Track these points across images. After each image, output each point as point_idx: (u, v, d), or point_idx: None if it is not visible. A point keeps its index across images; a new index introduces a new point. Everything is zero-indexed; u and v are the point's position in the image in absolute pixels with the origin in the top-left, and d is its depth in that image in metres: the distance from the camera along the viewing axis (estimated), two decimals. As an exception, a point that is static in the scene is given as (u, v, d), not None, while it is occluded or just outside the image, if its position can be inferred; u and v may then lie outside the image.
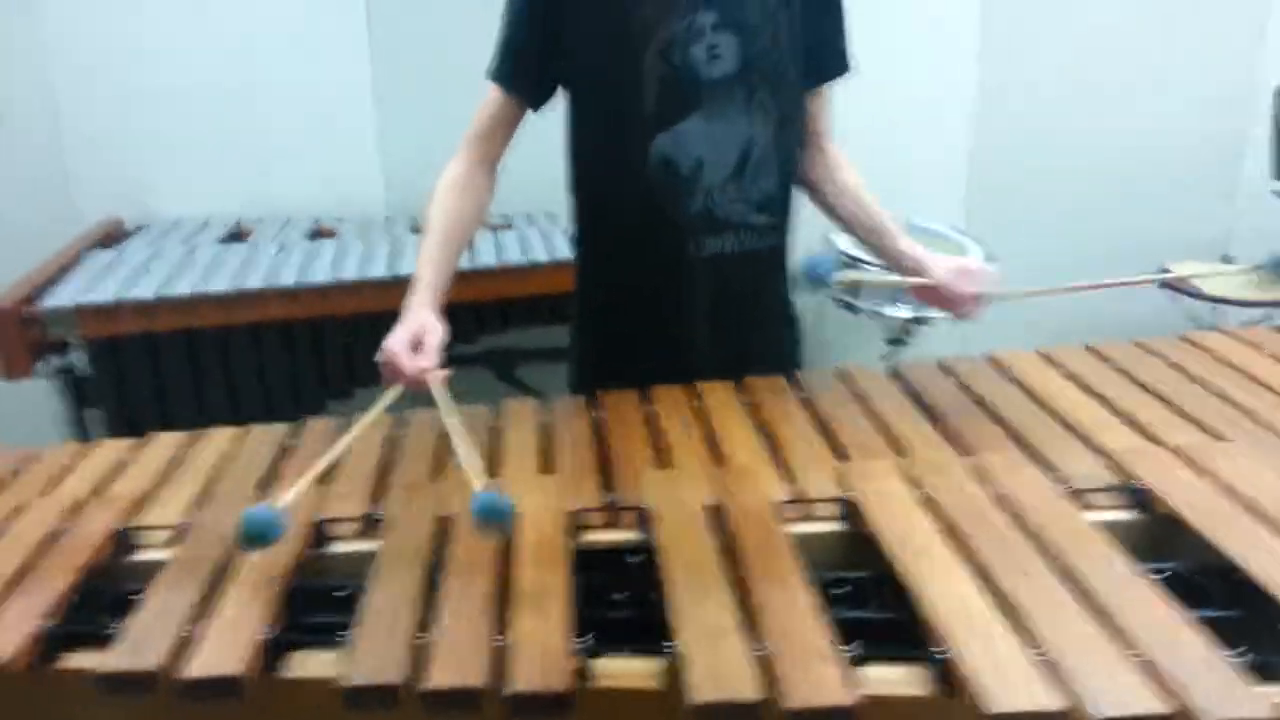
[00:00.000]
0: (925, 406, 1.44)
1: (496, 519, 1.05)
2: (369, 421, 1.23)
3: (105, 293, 2.22)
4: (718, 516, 1.12)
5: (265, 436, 1.42)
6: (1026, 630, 0.91)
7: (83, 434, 2.48)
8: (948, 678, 0.89)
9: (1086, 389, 1.47)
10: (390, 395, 1.27)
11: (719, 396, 1.46)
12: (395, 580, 1.03)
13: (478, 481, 1.07)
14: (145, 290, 2.24)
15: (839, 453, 1.30)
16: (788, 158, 1.56)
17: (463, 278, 2.27)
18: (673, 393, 1.48)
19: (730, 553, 1.05)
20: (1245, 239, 2.96)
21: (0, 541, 1.10)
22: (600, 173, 1.56)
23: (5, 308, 2.18)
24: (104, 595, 1.07)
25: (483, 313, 2.50)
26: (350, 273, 2.34)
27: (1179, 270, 2.72)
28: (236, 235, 2.72)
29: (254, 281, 2.30)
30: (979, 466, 1.21)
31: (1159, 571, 1.01)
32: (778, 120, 1.51)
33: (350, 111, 2.86)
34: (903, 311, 2.61)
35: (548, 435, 1.38)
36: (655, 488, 1.18)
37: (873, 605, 1.03)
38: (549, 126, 1.55)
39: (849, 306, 2.68)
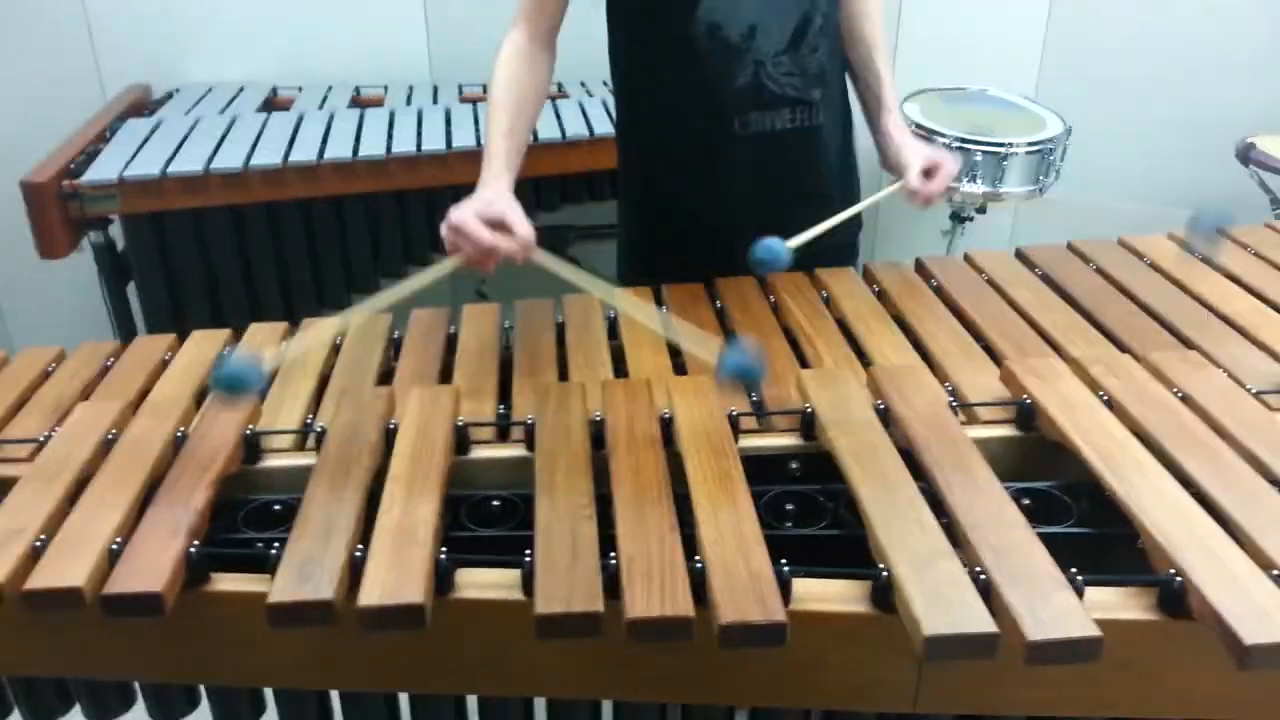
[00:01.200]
0: (1066, 296, 1.36)
1: (747, 376, 1.00)
2: (419, 286, 1.14)
3: (151, 165, 2.08)
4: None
5: (372, 325, 1.31)
6: (1257, 549, 0.85)
7: (125, 316, 2.38)
8: (1180, 604, 0.83)
9: (1230, 276, 1.39)
10: (449, 265, 1.19)
11: (794, 286, 1.40)
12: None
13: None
14: (193, 163, 2.10)
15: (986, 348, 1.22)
16: (836, 20, 1.45)
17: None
18: (741, 284, 1.40)
19: (908, 456, 0.98)
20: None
21: (121, 447, 1.02)
22: (640, 39, 1.43)
23: (41, 183, 2.04)
24: (237, 504, 1.00)
25: (541, 188, 2.38)
26: (406, 145, 2.20)
27: (1263, 146, 2.59)
28: (275, 103, 2.56)
29: (305, 154, 2.16)
30: (1155, 366, 1.13)
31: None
32: None
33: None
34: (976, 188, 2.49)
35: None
36: (818, 389, 1.09)
37: (1072, 519, 0.97)
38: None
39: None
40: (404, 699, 1.02)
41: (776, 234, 1.29)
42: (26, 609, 0.84)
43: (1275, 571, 0.82)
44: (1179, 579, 0.83)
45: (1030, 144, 2.46)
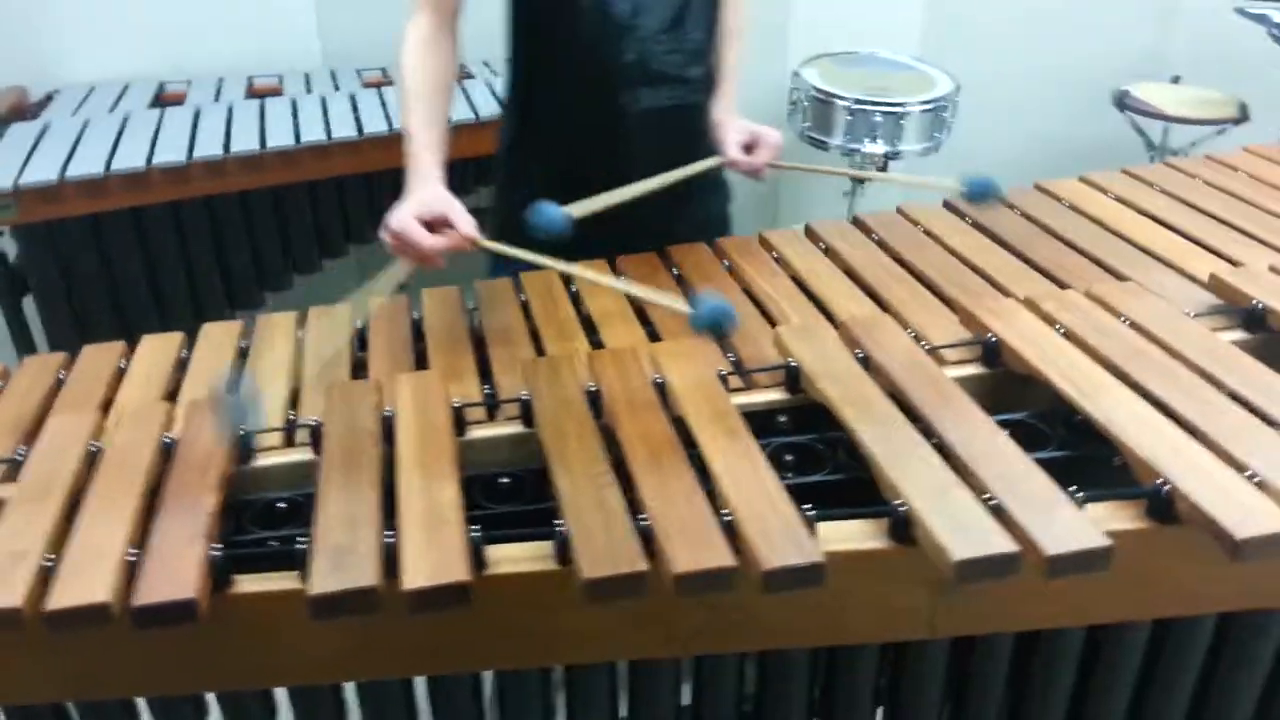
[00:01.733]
0: (999, 240, 1.43)
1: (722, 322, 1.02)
2: (382, 291, 1.17)
3: (47, 170, 1.98)
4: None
5: (332, 318, 1.29)
6: (1229, 456, 0.93)
7: (22, 333, 2.26)
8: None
9: (1144, 213, 1.49)
10: (401, 272, 1.19)
11: (746, 249, 1.44)
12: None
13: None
14: (91, 165, 2.00)
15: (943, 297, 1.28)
16: (716, 6, 1.49)
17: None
18: (695, 251, 1.44)
19: (898, 399, 1.03)
20: (1189, 60, 3.01)
21: (108, 458, 0.98)
22: (536, 20, 1.46)
23: (-72, 194, 1.92)
24: (236, 506, 0.98)
25: (454, 171, 2.35)
26: (316, 134, 2.15)
27: (1137, 92, 2.76)
28: (165, 98, 2.45)
29: (210, 148, 2.08)
30: (1100, 297, 1.21)
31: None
32: None
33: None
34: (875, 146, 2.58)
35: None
36: (798, 344, 1.13)
37: (1052, 445, 1.03)
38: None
39: (818, 144, 2.64)
40: (419, 683, 1.03)
41: (668, 209, 1.41)
42: (44, 632, 0.81)
43: (1249, 473, 0.90)
44: (1166, 487, 0.90)
45: (924, 102, 2.57)
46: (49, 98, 2.48)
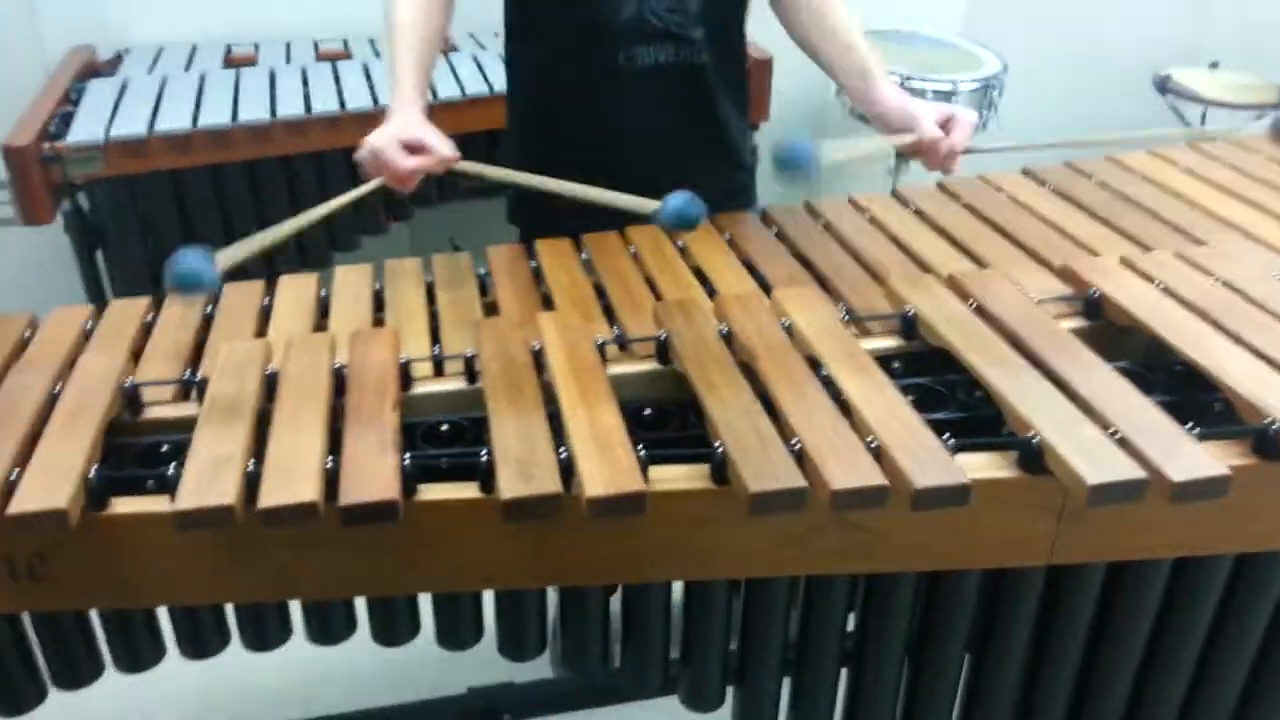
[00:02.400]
0: (1083, 207, 1.50)
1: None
2: (341, 204, 1.33)
3: (135, 125, 2.04)
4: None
5: (455, 264, 1.36)
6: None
7: (97, 284, 2.32)
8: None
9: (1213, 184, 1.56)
10: (370, 186, 1.35)
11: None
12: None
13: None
14: (178, 120, 2.06)
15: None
16: None
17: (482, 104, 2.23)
18: (794, 212, 1.48)
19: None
20: (1227, 47, 3.08)
21: (287, 381, 1.05)
22: None
23: (23, 146, 1.98)
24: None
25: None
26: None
27: (1178, 77, 2.83)
28: (236, 60, 2.51)
29: (291, 108, 2.14)
30: (1191, 258, 1.28)
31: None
32: None
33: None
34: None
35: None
36: (915, 294, 1.20)
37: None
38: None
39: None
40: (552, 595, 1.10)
41: (666, 167, 1.37)
42: (252, 530, 0.88)
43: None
44: (1274, 425, 0.97)
45: (974, 80, 2.63)
46: (118, 57, 2.53)
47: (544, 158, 1.50)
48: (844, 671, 1.19)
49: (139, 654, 1.06)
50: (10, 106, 2.22)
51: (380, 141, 1.30)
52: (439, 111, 1.59)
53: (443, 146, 1.32)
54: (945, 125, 1.43)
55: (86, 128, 2.03)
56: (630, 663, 1.16)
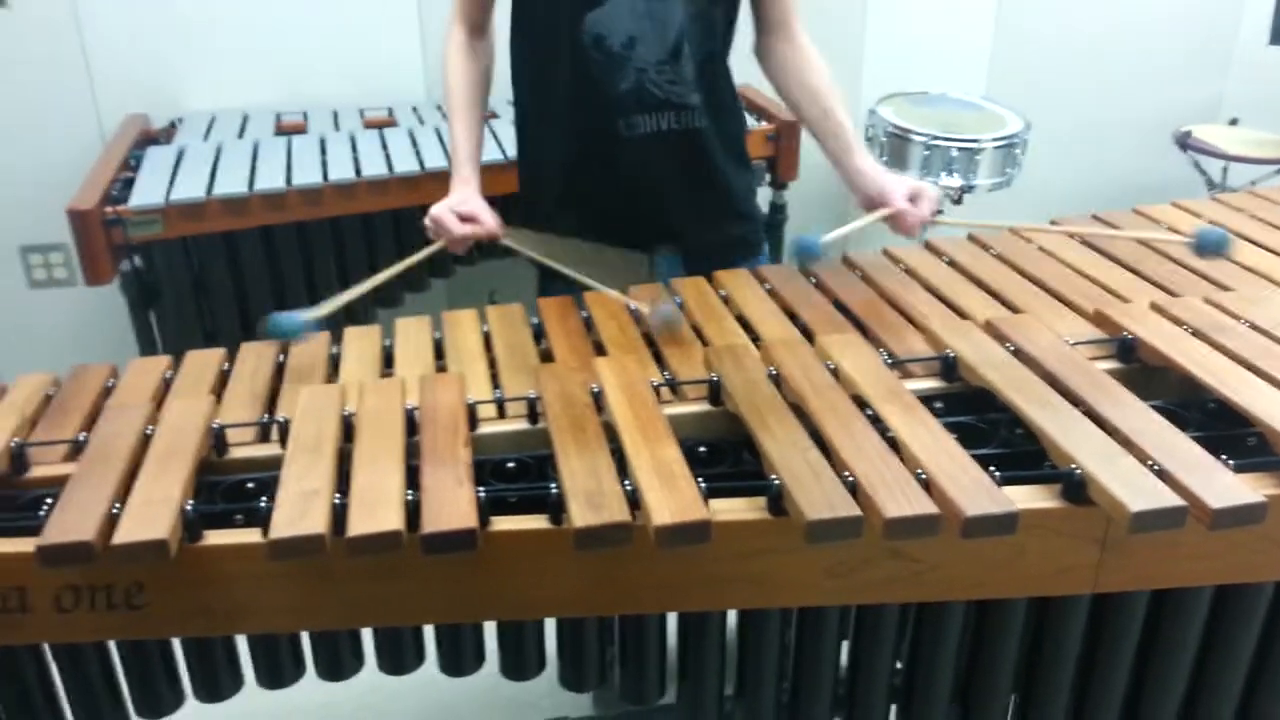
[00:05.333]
0: (1112, 257, 1.56)
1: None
2: (410, 263, 1.54)
3: (194, 189, 2.13)
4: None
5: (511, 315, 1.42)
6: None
7: (150, 340, 2.41)
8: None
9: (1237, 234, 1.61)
10: (434, 248, 1.57)
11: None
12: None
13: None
14: (236, 185, 2.16)
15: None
16: (714, 37, 1.59)
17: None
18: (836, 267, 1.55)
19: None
20: (1242, 103, 3.16)
21: (364, 420, 1.11)
22: (537, 50, 1.60)
23: (88, 210, 2.07)
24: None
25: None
26: (437, 161, 2.30)
27: (1199, 134, 2.90)
28: (286, 128, 2.62)
29: (342, 173, 2.24)
30: (1219, 302, 1.33)
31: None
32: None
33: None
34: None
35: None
36: (954, 337, 1.26)
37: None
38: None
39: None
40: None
41: (667, 223, 1.60)
42: (340, 558, 0.94)
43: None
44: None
45: (997, 139, 2.71)
46: (173, 125, 2.65)
47: (548, 217, 1.64)
48: (894, 708, 1.23)
49: (219, 683, 1.11)
50: (70, 171, 2.33)
51: (439, 211, 1.52)
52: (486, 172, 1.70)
53: (490, 221, 1.52)
54: (913, 199, 1.54)
55: (147, 192, 2.13)
56: (686, 697, 1.19)
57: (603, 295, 1.42)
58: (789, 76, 1.64)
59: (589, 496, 0.96)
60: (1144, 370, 1.25)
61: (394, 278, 1.50)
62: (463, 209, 1.52)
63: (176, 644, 1.09)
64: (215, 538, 0.99)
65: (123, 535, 0.93)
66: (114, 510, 0.96)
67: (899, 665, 1.21)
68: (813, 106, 1.63)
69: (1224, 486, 0.97)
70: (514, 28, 1.61)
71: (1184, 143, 2.86)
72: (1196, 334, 1.25)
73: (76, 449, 1.11)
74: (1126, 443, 1.04)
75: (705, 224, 1.68)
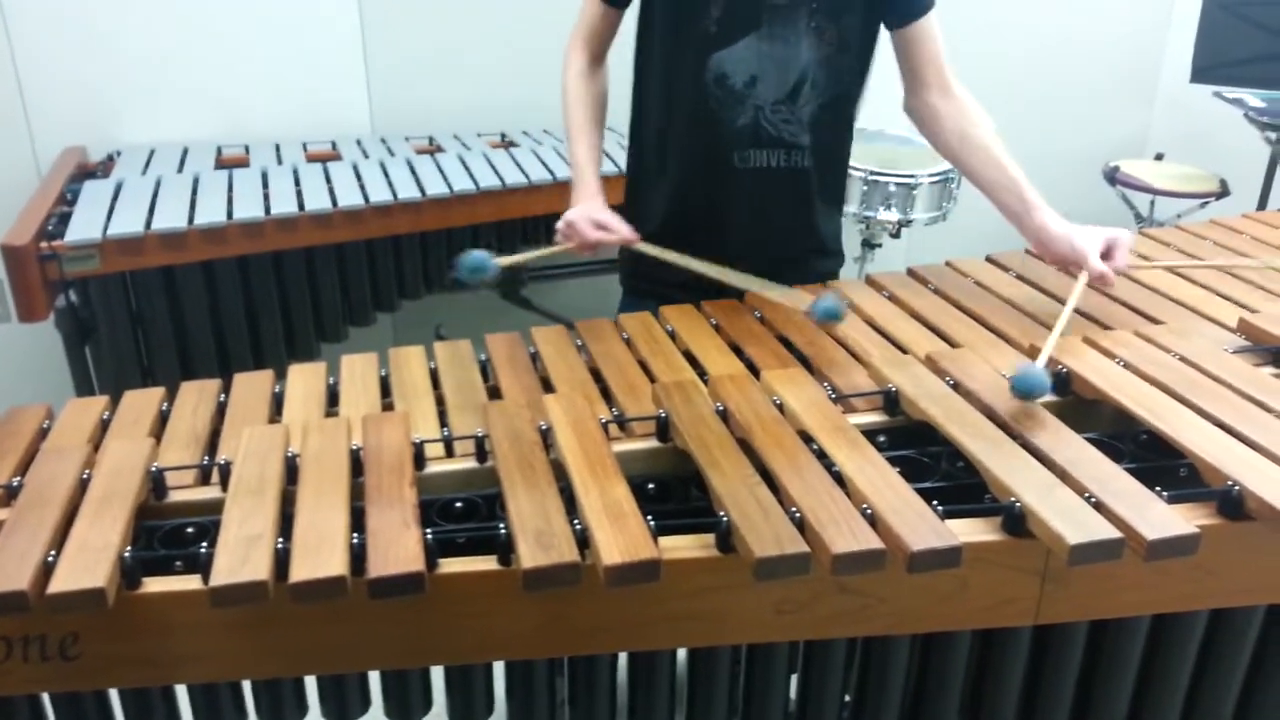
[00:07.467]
0: (1045, 291, 1.60)
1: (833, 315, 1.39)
2: (543, 254, 1.65)
3: (132, 224, 2.10)
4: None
5: (458, 352, 1.42)
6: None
7: (86, 378, 2.35)
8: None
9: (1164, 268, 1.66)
10: (561, 247, 1.60)
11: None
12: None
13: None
14: (174, 219, 2.13)
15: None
16: (841, 83, 1.63)
17: (469, 200, 2.35)
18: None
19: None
20: (1166, 139, 3.26)
21: (308, 462, 1.10)
22: (661, 83, 1.65)
23: (22, 246, 2.03)
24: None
25: (502, 231, 2.51)
26: (381, 195, 2.30)
27: (1126, 169, 2.99)
28: (227, 162, 2.59)
29: (284, 206, 2.22)
30: (1150, 336, 1.37)
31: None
32: (836, 46, 1.59)
33: (334, 31, 2.75)
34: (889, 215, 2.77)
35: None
36: (896, 372, 1.28)
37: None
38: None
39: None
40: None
41: (762, 254, 1.61)
42: (283, 605, 0.92)
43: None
44: (1236, 488, 1.05)
45: (933, 174, 2.77)
46: (110, 158, 2.61)
47: (652, 235, 1.65)
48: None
49: (158, 734, 1.08)
50: (3, 205, 2.29)
51: (574, 216, 1.57)
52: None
53: (623, 229, 1.58)
54: (1107, 254, 1.48)
55: (84, 226, 2.09)
56: (636, 735, 1.19)
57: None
58: (950, 136, 1.62)
59: (538, 536, 0.96)
60: (1079, 402, 1.28)
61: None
62: (596, 216, 1.57)
63: (114, 695, 1.06)
64: (154, 585, 0.96)
65: (58, 584, 0.91)
66: (49, 558, 0.94)
67: (847, 698, 1.22)
68: (986, 166, 1.59)
69: (1159, 518, 0.99)
70: (638, 58, 1.68)
71: (1112, 177, 2.95)
72: (1128, 366, 1.29)
73: (10, 494, 1.08)
74: (1064, 475, 1.07)
75: (797, 258, 1.73)
